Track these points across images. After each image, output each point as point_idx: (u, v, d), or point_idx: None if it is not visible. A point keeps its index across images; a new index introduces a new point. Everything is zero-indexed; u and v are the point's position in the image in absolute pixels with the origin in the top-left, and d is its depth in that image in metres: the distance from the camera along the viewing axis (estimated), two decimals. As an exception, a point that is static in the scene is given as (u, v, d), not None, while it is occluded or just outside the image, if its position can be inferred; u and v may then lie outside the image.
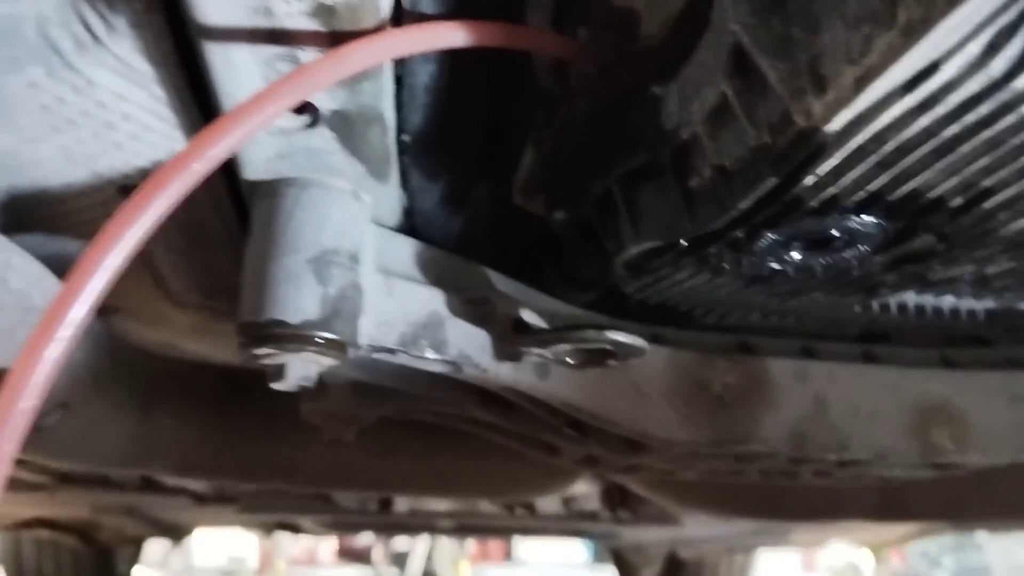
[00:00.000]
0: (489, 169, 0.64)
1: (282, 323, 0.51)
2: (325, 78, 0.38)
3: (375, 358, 0.57)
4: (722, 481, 0.98)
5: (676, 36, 0.45)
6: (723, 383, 0.69)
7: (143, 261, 0.70)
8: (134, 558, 2.82)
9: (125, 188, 0.60)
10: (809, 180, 0.38)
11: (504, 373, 0.60)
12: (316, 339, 0.51)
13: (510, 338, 0.58)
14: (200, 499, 1.53)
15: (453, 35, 0.42)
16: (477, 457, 1.04)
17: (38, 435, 0.57)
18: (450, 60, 0.50)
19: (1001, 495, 1.07)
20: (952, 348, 0.74)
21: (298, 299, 0.51)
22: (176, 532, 2.20)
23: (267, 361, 0.53)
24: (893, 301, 0.61)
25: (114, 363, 0.71)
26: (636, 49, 0.48)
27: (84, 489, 1.37)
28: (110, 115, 0.52)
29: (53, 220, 0.64)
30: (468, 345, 0.59)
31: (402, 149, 0.55)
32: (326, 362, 0.54)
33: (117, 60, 0.48)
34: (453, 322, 0.58)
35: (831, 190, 0.39)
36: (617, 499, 1.78)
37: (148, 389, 0.78)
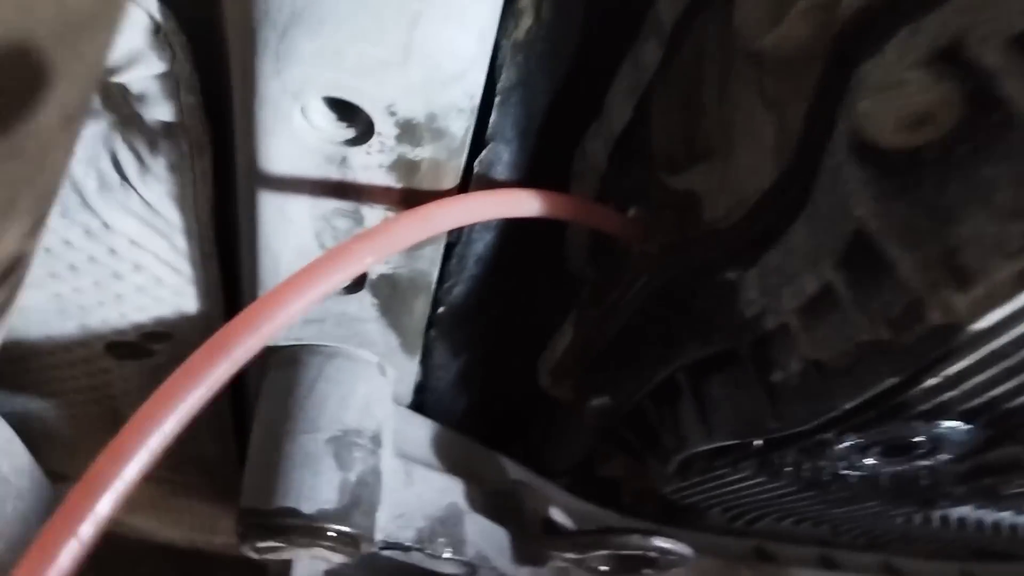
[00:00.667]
0: (507, 349, 0.60)
1: (295, 512, 0.44)
2: (408, 237, 0.34)
3: (384, 555, 0.49)
4: None
5: (754, 220, 0.43)
6: (748, 594, 0.63)
7: (110, 418, 0.62)
8: None
9: (113, 345, 0.54)
10: (931, 382, 0.35)
11: (523, 577, 0.54)
12: (331, 532, 0.44)
13: (537, 539, 0.52)
14: None
15: (531, 204, 0.39)
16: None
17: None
18: (504, 231, 0.47)
19: None
20: (975, 563, 0.71)
21: (315, 485, 0.45)
22: None
23: (271, 555, 0.45)
24: (939, 514, 0.58)
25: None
26: (701, 230, 0.45)
27: None
28: (120, 264, 0.47)
29: (21, 375, 0.56)
30: (487, 544, 0.52)
31: (432, 322, 0.51)
32: (336, 559, 0.46)
33: (144, 205, 0.44)
34: (472, 517, 0.52)
35: (949, 394, 0.36)
36: None
37: (95, 572, 0.67)
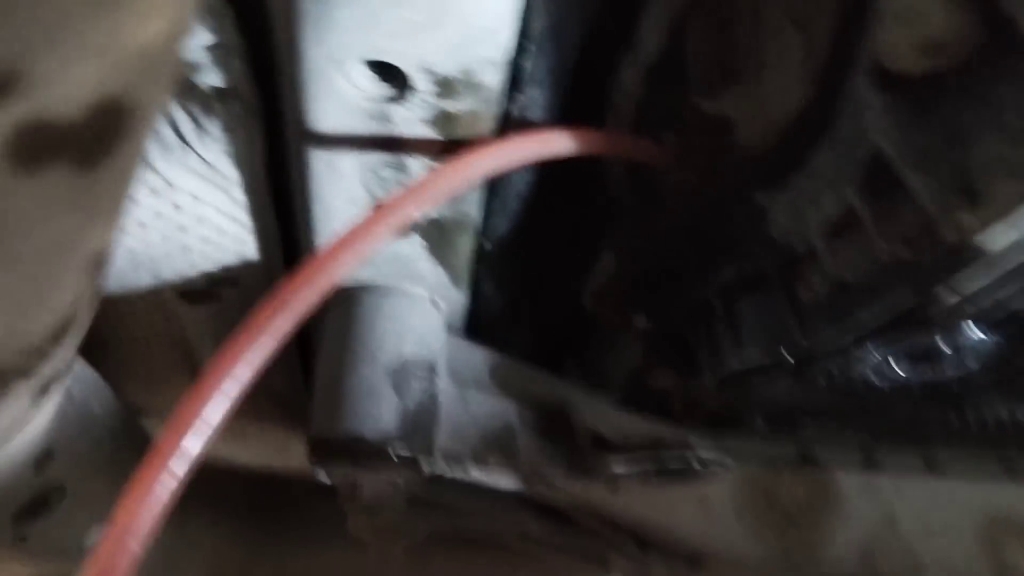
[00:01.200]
0: (552, 276, 0.63)
1: (360, 439, 0.48)
2: (451, 188, 0.36)
3: (447, 473, 0.54)
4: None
5: (784, 144, 0.44)
6: (791, 497, 0.66)
7: (185, 358, 0.67)
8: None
9: (185, 292, 0.58)
10: (949, 298, 0.37)
11: (575, 489, 0.58)
12: (394, 455, 0.48)
13: (588, 453, 0.56)
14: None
15: (565, 143, 0.42)
16: (510, 567, 0.99)
17: (82, 556, 0.53)
18: (543, 167, 0.50)
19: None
20: (1016, 451, 0.73)
21: (377, 413, 0.48)
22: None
23: (340, 479, 0.50)
24: (974, 412, 0.60)
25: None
26: (734, 155, 0.47)
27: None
28: (184, 218, 0.50)
29: (100, 323, 0.61)
30: (541, 459, 0.56)
31: (480, 256, 0.54)
32: (401, 479, 0.51)
33: (202, 163, 0.47)
34: (526, 435, 0.56)
35: (968, 307, 0.38)
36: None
37: (181, 501, 0.73)
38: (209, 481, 0.86)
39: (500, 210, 0.50)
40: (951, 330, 0.41)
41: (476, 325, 0.62)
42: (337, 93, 0.37)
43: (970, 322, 0.41)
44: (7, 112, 0.13)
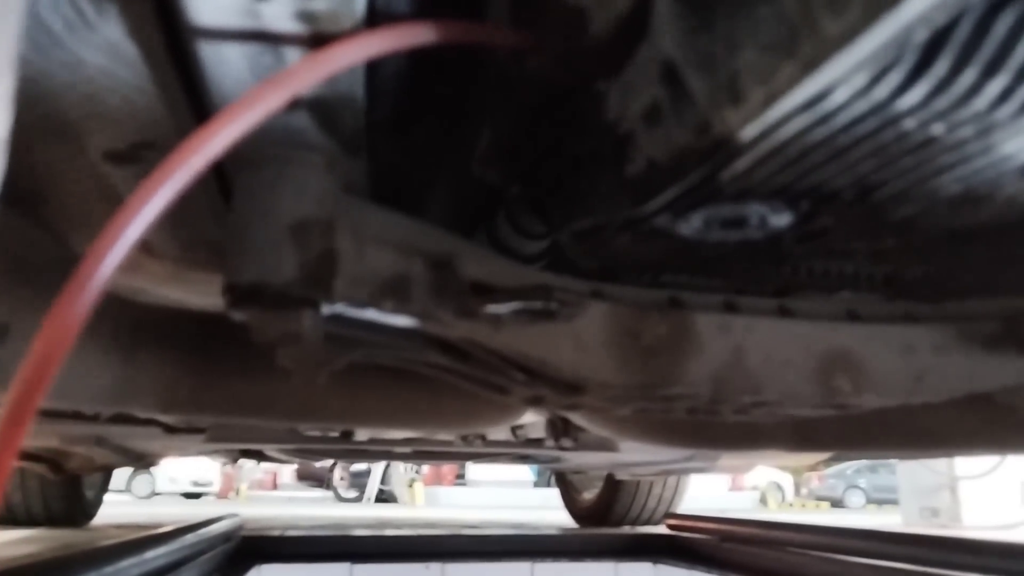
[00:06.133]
0: (449, 143, 0.69)
1: (264, 284, 0.56)
2: (310, 78, 0.43)
3: (347, 314, 0.63)
4: (654, 416, 1.07)
5: (621, 37, 0.50)
6: (654, 334, 0.76)
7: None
8: (102, 485, 2.88)
9: (108, 154, 0.64)
10: (726, 176, 0.45)
11: (462, 327, 0.67)
12: (294, 299, 0.57)
13: (469, 298, 0.65)
14: (170, 430, 1.58)
15: (423, 34, 0.47)
16: (435, 394, 1.11)
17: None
18: (419, 51, 0.55)
19: (900, 429, 1.19)
20: (862, 296, 0.83)
21: (278, 263, 0.57)
22: (144, 461, 2.26)
23: (251, 319, 0.59)
24: (803, 266, 0.69)
25: (99, 310, 0.76)
26: (585, 45, 0.53)
27: (55, 421, 1.39)
28: (96, 88, 0.56)
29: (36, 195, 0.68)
30: (430, 303, 0.65)
31: (371, 127, 0.60)
32: (303, 319, 0.59)
33: (106, 41, 0.52)
34: (417, 282, 0.65)
35: (744, 184, 0.46)
36: (560, 429, 1.89)
37: (131, 334, 0.83)
38: (160, 319, 0.96)
39: (381, 87, 0.56)
40: (743, 201, 0.50)
41: (387, 193, 0.70)
42: (209, -5, 0.42)
43: (762, 196, 0.49)
44: None
